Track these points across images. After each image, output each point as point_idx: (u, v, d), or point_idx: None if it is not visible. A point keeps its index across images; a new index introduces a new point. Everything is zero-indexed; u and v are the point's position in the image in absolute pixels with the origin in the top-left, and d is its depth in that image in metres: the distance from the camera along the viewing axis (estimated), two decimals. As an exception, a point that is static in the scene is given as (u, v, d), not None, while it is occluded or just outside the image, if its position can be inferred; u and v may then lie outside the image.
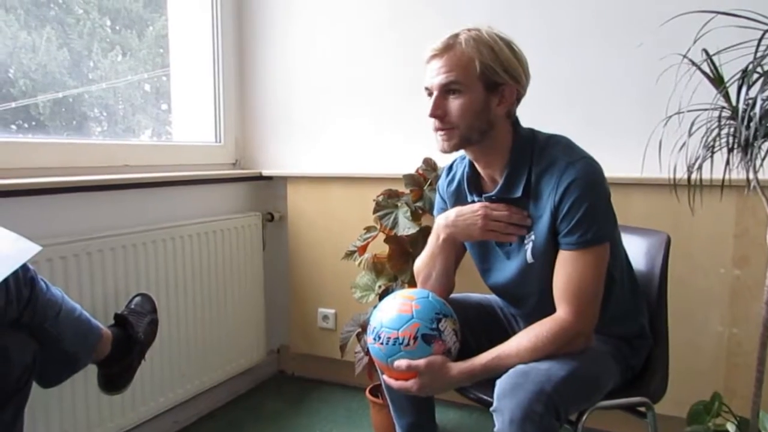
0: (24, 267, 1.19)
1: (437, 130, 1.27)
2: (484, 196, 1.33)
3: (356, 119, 2.40)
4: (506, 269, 1.36)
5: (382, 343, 1.25)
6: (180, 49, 2.50)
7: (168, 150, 2.29)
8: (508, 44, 1.26)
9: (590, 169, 1.22)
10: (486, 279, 1.45)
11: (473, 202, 1.37)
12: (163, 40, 2.50)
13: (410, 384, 1.24)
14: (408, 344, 1.23)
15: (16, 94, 1.96)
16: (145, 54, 2.45)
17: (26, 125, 2.05)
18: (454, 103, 1.24)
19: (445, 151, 1.29)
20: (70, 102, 2.17)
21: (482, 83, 1.23)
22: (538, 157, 1.27)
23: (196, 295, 2.13)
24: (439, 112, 1.25)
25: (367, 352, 1.90)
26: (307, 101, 2.49)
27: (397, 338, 1.23)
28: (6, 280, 1.12)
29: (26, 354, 1.21)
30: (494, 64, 1.22)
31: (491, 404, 1.15)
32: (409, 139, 2.25)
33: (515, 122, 1.32)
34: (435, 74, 1.25)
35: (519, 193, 1.27)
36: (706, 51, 1.28)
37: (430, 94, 1.27)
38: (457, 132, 1.25)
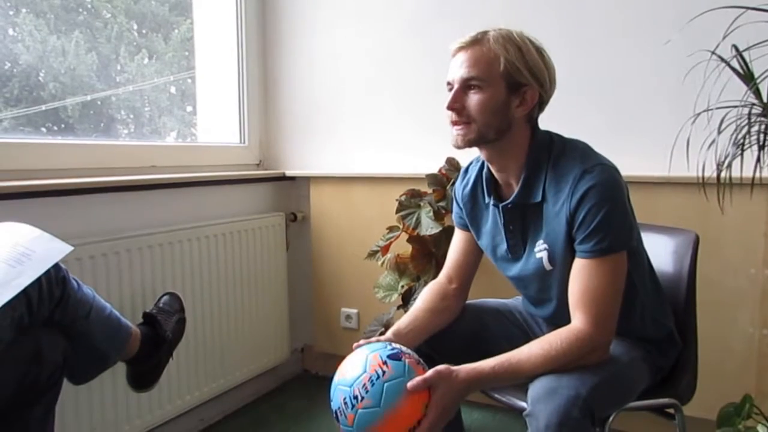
0: (56, 266, 1.21)
1: (454, 123, 1.25)
2: (501, 205, 1.31)
3: (379, 119, 2.41)
4: (515, 267, 1.35)
5: (363, 399, 1.08)
6: (205, 51, 2.53)
7: (193, 151, 2.32)
8: (538, 48, 1.24)
9: (606, 176, 1.18)
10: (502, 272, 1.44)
11: (489, 205, 1.35)
12: (189, 43, 2.53)
13: (431, 416, 1.09)
14: (384, 372, 1.09)
15: (46, 98, 2.00)
16: (170, 57, 2.48)
17: (56, 128, 2.09)
18: (473, 98, 1.22)
19: (458, 147, 1.26)
20: (98, 105, 2.21)
21: (504, 81, 1.21)
22: (554, 162, 1.24)
23: (221, 295, 2.15)
24: (457, 105, 1.23)
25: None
26: (330, 102, 2.50)
27: (371, 377, 1.09)
28: (38, 279, 1.14)
29: (57, 352, 1.23)
30: (519, 63, 1.20)
31: (522, 409, 1.13)
32: (431, 139, 2.24)
33: (534, 127, 1.29)
34: (458, 67, 1.23)
35: (538, 198, 1.25)
36: (735, 47, 1.25)
37: (452, 89, 1.25)
38: (474, 127, 1.23)
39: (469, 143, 1.25)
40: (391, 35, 2.35)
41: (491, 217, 1.37)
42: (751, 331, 1.83)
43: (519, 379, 1.16)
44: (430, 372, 1.11)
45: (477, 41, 1.22)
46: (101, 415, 1.71)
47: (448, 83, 1.26)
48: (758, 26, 1.17)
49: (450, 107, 1.24)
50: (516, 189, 1.28)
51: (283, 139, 2.63)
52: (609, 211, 1.16)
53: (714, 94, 1.31)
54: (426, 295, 1.44)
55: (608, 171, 1.19)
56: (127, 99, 2.31)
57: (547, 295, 1.33)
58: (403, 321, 1.35)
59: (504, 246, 1.34)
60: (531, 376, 1.14)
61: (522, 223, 1.30)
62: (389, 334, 1.31)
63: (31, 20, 1.94)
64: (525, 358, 1.15)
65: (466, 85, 1.23)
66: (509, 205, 1.29)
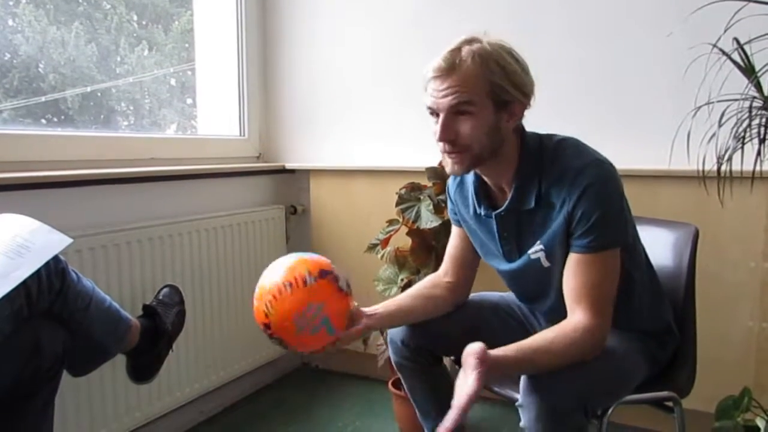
0: (55, 258, 1.21)
1: (447, 153, 1.23)
2: (494, 213, 1.29)
3: (379, 112, 2.40)
4: (508, 266, 1.34)
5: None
6: (205, 43, 2.52)
7: (193, 143, 2.32)
8: (510, 53, 1.19)
9: (601, 173, 1.17)
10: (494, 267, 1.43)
11: (481, 215, 1.33)
12: (189, 34, 2.52)
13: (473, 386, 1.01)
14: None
15: (45, 89, 1.99)
16: (170, 49, 2.48)
17: (55, 119, 2.09)
18: (465, 125, 1.18)
19: (456, 174, 1.28)
20: (98, 96, 2.20)
21: (492, 101, 1.18)
22: (548, 165, 1.22)
23: (221, 287, 2.15)
24: (451, 136, 1.19)
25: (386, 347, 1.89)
26: (331, 95, 2.50)
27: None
28: (38, 271, 1.14)
29: (57, 344, 1.23)
30: (503, 81, 1.16)
31: (515, 400, 1.13)
32: (432, 133, 2.23)
33: (522, 133, 1.28)
34: (441, 95, 1.18)
35: (532, 205, 1.23)
36: (737, 40, 1.25)
37: (433, 114, 1.22)
38: (470, 154, 1.21)
39: (467, 169, 1.25)
40: (393, 27, 2.34)
41: (484, 224, 1.35)
42: (750, 325, 1.83)
43: (534, 372, 1.12)
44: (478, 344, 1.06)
45: (455, 66, 1.16)
46: (101, 407, 1.71)
47: (430, 108, 1.22)
48: (759, 19, 1.16)
49: (442, 139, 1.20)
50: (509, 196, 1.26)
51: (283, 132, 2.63)
52: (606, 209, 1.16)
53: (715, 87, 1.30)
54: (418, 283, 1.47)
55: (603, 168, 1.19)
56: (127, 91, 2.31)
57: (545, 290, 1.32)
58: (387, 301, 1.39)
59: (498, 251, 1.34)
60: (548, 369, 1.10)
61: (516, 230, 1.29)
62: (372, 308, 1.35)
63: (31, 11, 1.93)
64: (545, 349, 1.11)
65: (454, 113, 1.18)
66: (502, 213, 1.28)
